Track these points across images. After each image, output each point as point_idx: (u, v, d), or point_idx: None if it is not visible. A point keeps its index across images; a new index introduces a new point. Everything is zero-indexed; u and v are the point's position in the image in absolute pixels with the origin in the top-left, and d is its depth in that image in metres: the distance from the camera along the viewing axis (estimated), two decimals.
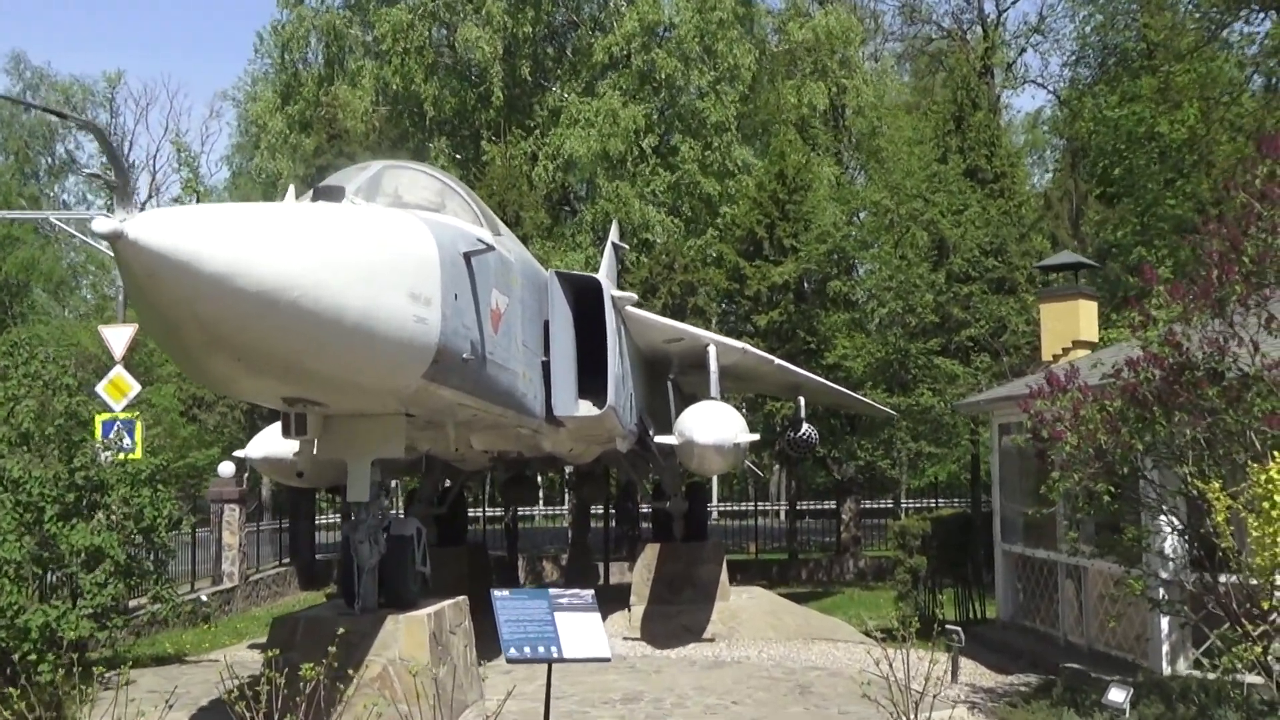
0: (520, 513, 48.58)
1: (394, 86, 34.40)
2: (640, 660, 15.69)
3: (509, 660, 9.27)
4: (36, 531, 12.58)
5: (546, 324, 14.41)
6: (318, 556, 30.27)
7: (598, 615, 9.62)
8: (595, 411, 14.80)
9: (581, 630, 9.28)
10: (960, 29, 45.48)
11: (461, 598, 12.46)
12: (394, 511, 29.49)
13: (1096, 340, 19.41)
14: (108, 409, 22.89)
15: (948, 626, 14.82)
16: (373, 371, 9.29)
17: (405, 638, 10.65)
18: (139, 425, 23.25)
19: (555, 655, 9.14)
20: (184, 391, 33.15)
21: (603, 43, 34.60)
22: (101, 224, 6.96)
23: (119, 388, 23.20)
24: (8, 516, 11.61)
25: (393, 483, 30.16)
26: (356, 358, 8.96)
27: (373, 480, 11.04)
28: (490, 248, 11.07)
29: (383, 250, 9.16)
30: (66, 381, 14.44)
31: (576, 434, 15.68)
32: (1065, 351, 18.45)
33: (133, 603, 16.70)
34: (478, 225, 11.78)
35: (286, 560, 29.27)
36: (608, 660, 9.82)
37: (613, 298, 15.41)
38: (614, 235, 28.12)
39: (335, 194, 9.92)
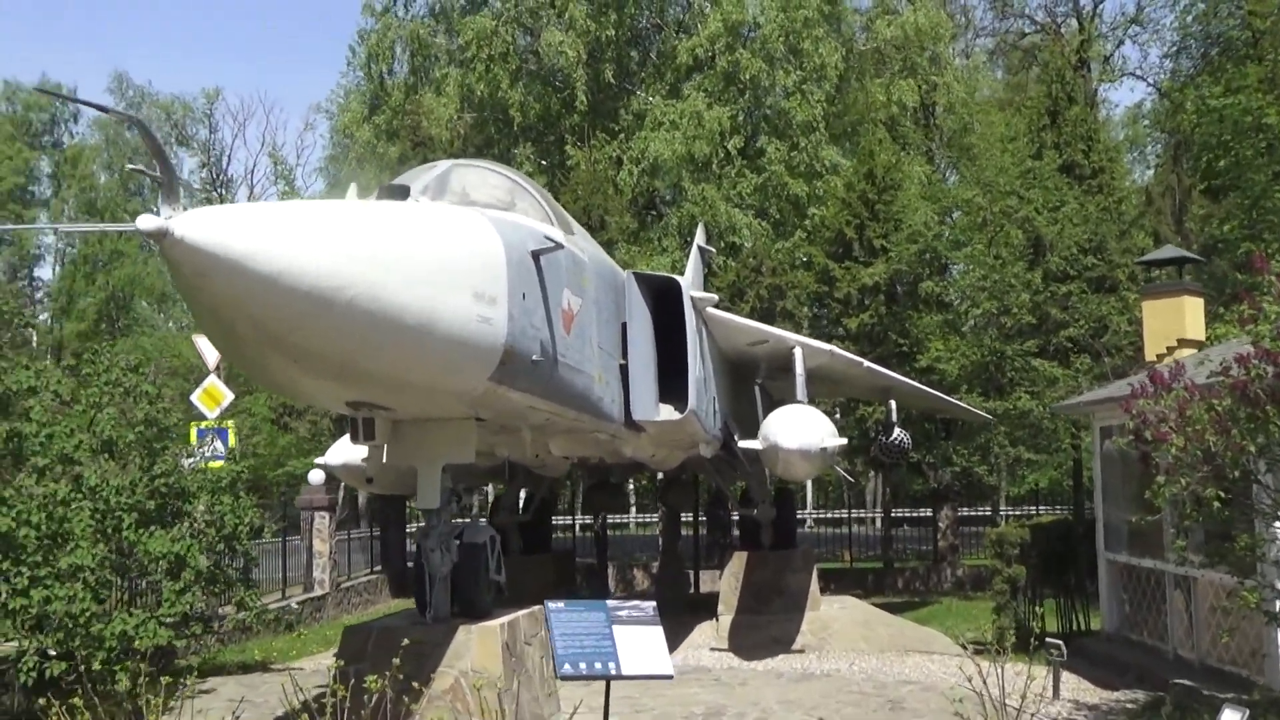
0: (613, 520, 48.69)
1: (478, 93, 34.38)
2: (725, 672, 15.23)
3: (561, 677, 8.94)
4: (115, 539, 12.53)
5: (625, 326, 14.06)
6: (409, 564, 30.22)
7: (659, 629, 9.26)
8: (676, 416, 14.39)
9: (642, 645, 8.94)
10: (1054, 22, 44.46)
11: (537, 607, 12.09)
12: (480, 519, 29.45)
13: (1203, 338, 18.55)
14: (203, 417, 23.17)
15: (1048, 640, 14.15)
16: (435, 373, 8.99)
17: (478, 648, 10.31)
18: (232, 433, 23.45)
19: (613, 672, 8.77)
20: (274, 400, 33.42)
21: (686, 44, 34.27)
22: (146, 222, 6.73)
23: (213, 396, 23.43)
24: (83, 524, 11.51)
25: (481, 489, 30.12)
26: (418, 359, 8.66)
27: (443, 486, 10.74)
28: (559, 246, 10.68)
29: (444, 248, 8.86)
30: (146, 389, 14.39)
31: (657, 439, 15.29)
32: (1170, 350, 17.64)
33: (223, 610, 16.75)
34: (548, 224, 11.45)
35: (378, 568, 29.26)
36: (670, 678, 9.46)
37: (692, 298, 14.98)
38: (699, 238, 27.73)
39: (399, 192, 9.66)
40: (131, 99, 73.81)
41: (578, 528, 34.52)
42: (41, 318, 62.57)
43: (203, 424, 23.14)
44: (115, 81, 69.90)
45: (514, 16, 35.17)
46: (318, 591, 24.92)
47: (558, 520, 41.43)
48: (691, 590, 27.26)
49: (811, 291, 30.39)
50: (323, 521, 25.48)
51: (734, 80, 33.52)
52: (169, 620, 12.46)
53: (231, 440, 23.37)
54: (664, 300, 14.84)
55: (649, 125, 33.40)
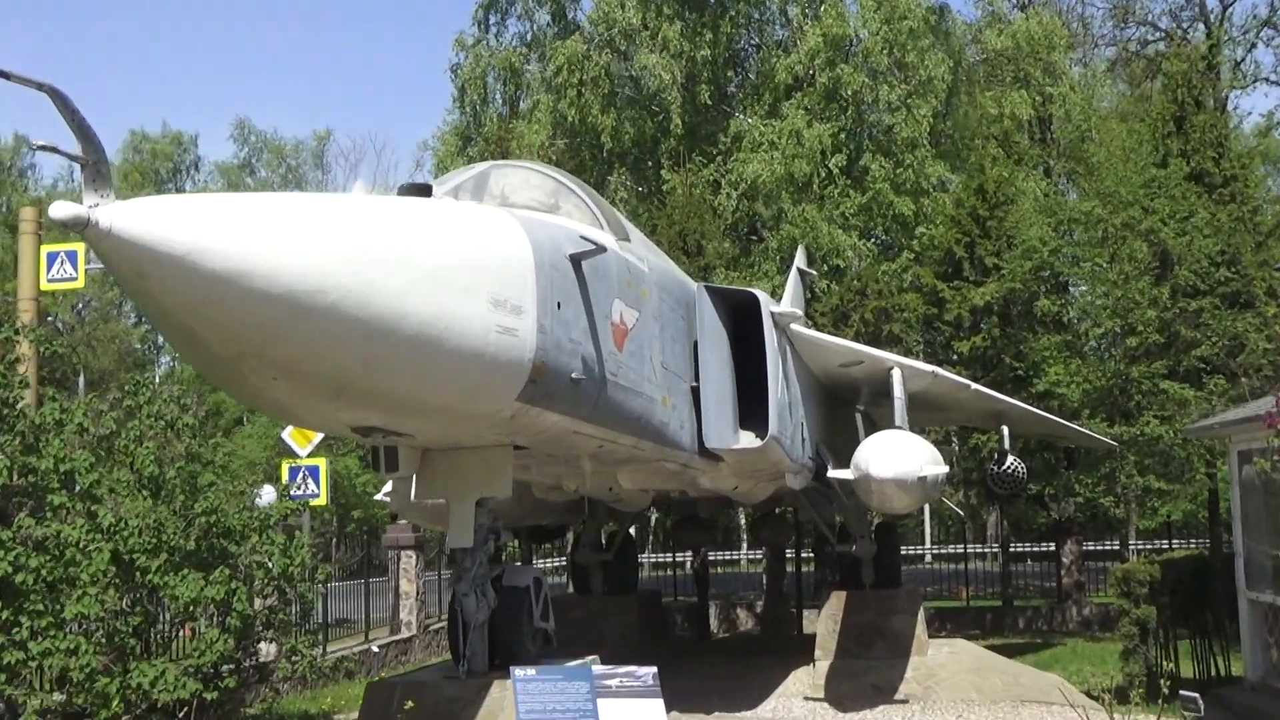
0: (722, 557, 47.24)
1: (570, 118, 33.47)
2: None
3: None
4: (135, 583, 11.61)
5: (696, 345, 12.82)
6: None
7: (659, 702, 7.88)
8: (756, 443, 13.07)
9: None
10: (1180, 28, 42.15)
11: (591, 658, 10.85)
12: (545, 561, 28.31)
13: None
14: (294, 454, 22.50)
15: (1183, 692, 12.42)
16: (449, 393, 7.86)
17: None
18: (324, 470, 22.72)
19: None
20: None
21: (785, 62, 32.98)
22: (61, 209, 5.70)
23: (304, 433, 22.71)
24: (94, 568, 10.54)
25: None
26: (423, 376, 7.54)
27: (478, 523, 9.62)
28: (602, 249, 9.46)
29: (453, 248, 7.75)
30: (187, 422, 13.50)
31: (738, 469, 13.97)
32: None
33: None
34: (596, 228, 10.27)
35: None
36: None
37: (774, 314, 13.66)
38: (800, 260, 26.43)
39: (420, 191, 8.62)
40: (254, 144, 75.19)
41: (675, 566, 33.13)
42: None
43: (290, 462, 22.52)
44: (238, 128, 70.99)
45: (606, 40, 34.27)
46: (404, 634, 24.07)
47: (657, 558, 40.53)
48: (796, 631, 25.81)
49: (920, 314, 28.82)
50: (409, 561, 24.73)
51: (835, 97, 32.11)
52: (197, 671, 11.44)
53: (323, 478, 22.67)
54: (743, 317, 13.58)
55: (747, 146, 32.15)
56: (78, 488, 11.50)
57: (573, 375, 9.00)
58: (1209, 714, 13.07)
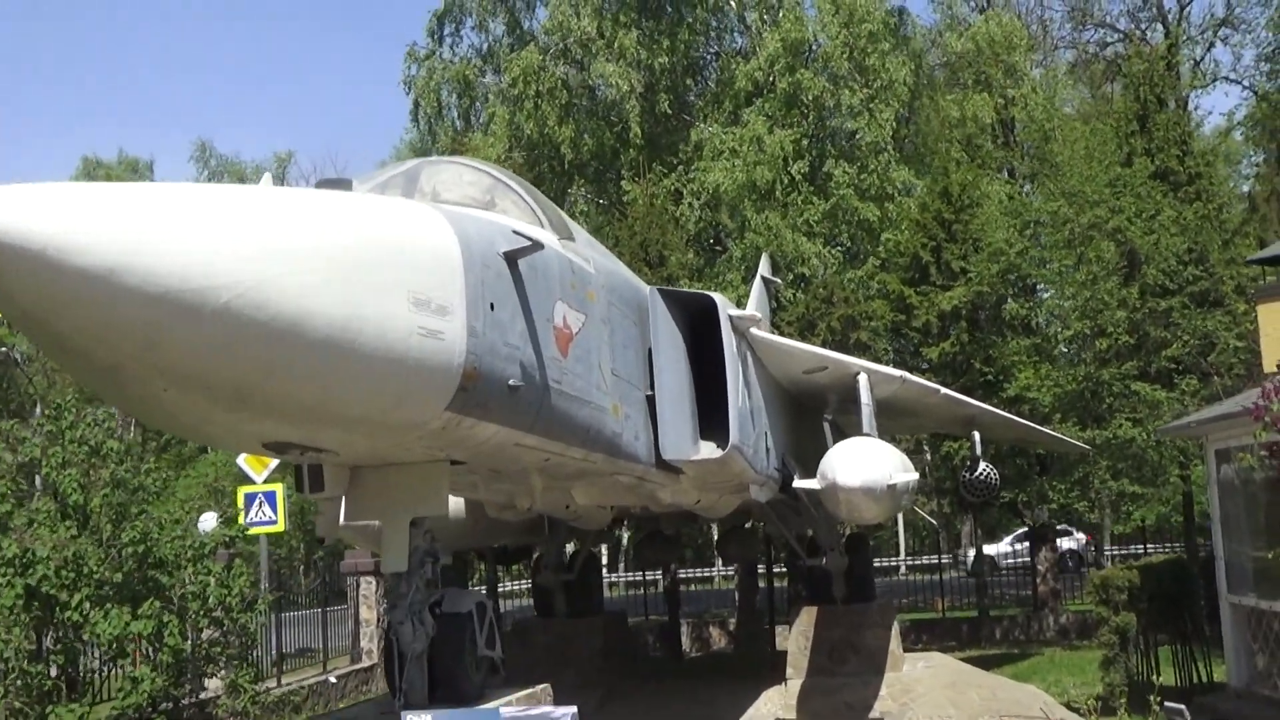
0: (696, 574, 46.51)
1: (528, 131, 32.77)
2: None
3: None
4: (55, 620, 10.84)
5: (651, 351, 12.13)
6: None
7: None
8: (716, 454, 12.37)
9: None
10: (1138, 29, 41.94)
11: (542, 687, 10.15)
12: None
13: None
14: (249, 480, 21.71)
15: (1168, 705, 11.82)
16: (367, 401, 7.10)
17: None
18: (280, 497, 21.92)
19: None
20: None
21: (744, 69, 32.44)
22: None
23: (260, 459, 21.91)
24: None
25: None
26: (337, 383, 6.79)
27: (414, 545, 8.87)
28: (538, 245, 8.71)
29: (368, 243, 7.00)
30: (112, 447, 12.75)
31: (700, 482, 13.25)
32: None
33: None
34: (536, 226, 9.57)
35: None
36: None
37: (731, 317, 13.00)
38: (764, 268, 25.78)
39: (339, 185, 7.92)
40: (214, 167, 73.97)
41: (646, 584, 32.41)
42: None
43: (246, 488, 21.73)
44: (199, 150, 69.76)
45: (562, 50, 33.67)
46: (365, 663, 23.24)
47: (628, 577, 39.76)
48: (769, 648, 25.10)
49: (888, 321, 28.26)
50: (369, 587, 23.93)
51: (796, 103, 31.55)
52: (124, 713, 10.67)
53: (280, 505, 21.86)
54: (700, 322, 12.92)
55: (708, 155, 31.58)
56: None
57: (510, 382, 8.28)
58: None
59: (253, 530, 22.61)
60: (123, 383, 6.30)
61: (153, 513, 13.60)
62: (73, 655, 11.13)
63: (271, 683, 20.36)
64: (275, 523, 21.57)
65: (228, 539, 14.48)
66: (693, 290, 13.23)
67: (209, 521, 17.65)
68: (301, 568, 37.10)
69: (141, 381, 6.25)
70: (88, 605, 11.24)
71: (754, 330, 14.00)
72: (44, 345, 5.99)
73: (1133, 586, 16.42)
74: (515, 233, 8.69)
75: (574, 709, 7.06)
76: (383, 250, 7.11)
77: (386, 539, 8.86)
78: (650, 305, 12.11)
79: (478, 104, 35.80)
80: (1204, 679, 17.19)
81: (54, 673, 11.66)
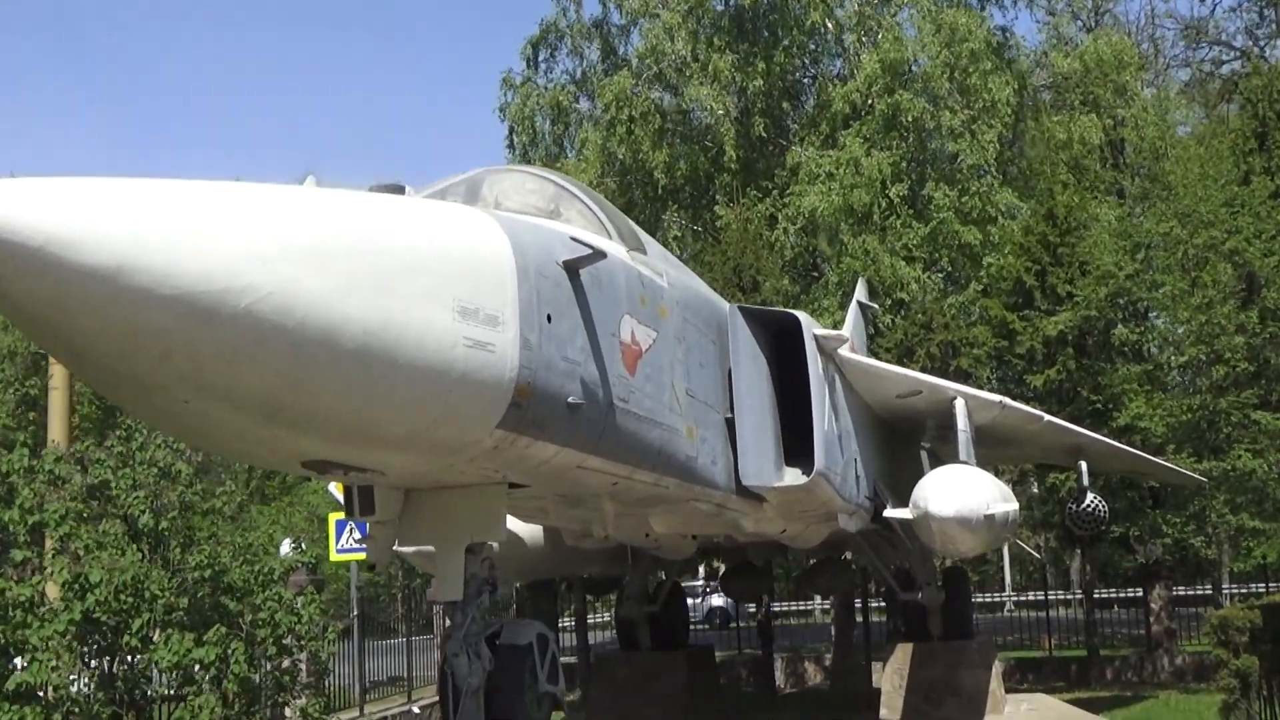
0: (795, 607, 45.45)
1: (621, 156, 32.47)
2: None
3: None
4: (116, 647, 10.54)
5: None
6: (564, 658, 27.89)
7: None
8: (801, 480, 11.73)
9: None
10: (1257, 45, 40.41)
11: None
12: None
13: None
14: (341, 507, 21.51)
15: None
16: (407, 417, 6.62)
17: None
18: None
19: None
20: None
21: (842, 91, 31.77)
22: None
23: None
24: (40, 632, 9.38)
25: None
26: (372, 395, 6.33)
27: (470, 572, 8.38)
28: (600, 254, 8.16)
29: (409, 247, 6.55)
30: (180, 469, 12.48)
31: (784, 509, 12.59)
32: None
33: None
34: (604, 236, 9.07)
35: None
36: None
37: (817, 337, 12.37)
38: (860, 293, 25.07)
39: (392, 190, 7.51)
40: None
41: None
42: None
43: (337, 515, 21.53)
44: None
45: (656, 74, 33.34)
46: None
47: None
48: (865, 685, 24.22)
49: (990, 348, 27.26)
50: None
51: (895, 124, 30.79)
52: None
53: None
54: (784, 342, 12.31)
55: (804, 178, 30.90)
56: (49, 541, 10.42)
57: (570, 400, 7.77)
58: None
59: (342, 558, 22.48)
60: (144, 394, 5.89)
61: (224, 537, 13.36)
62: (131, 683, 10.78)
63: (355, 712, 20.09)
64: (364, 550, 21.32)
65: (309, 565, 14.08)
66: (775, 309, 12.58)
67: (285, 548, 17.41)
68: (399, 596, 36.99)
69: (163, 392, 5.84)
70: (149, 631, 10.94)
71: (842, 351, 13.33)
72: (55, 353, 5.61)
73: (1254, 627, 15.32)
74: (574, 239, 8.17)
75: None
76: (424, 255, 6.65)
77: (441, 566, 8.41)
78: (730, 323, 11.54)
79: (571, 129, 35.55)
80: None
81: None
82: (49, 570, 9.93)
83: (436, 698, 22.57)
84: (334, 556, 24.04)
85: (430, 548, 8.60)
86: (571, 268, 8.01)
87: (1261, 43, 40.75)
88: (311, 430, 6.40)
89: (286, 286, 5.75)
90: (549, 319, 7.59)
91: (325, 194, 6.37)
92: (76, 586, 9.99)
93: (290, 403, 6.09)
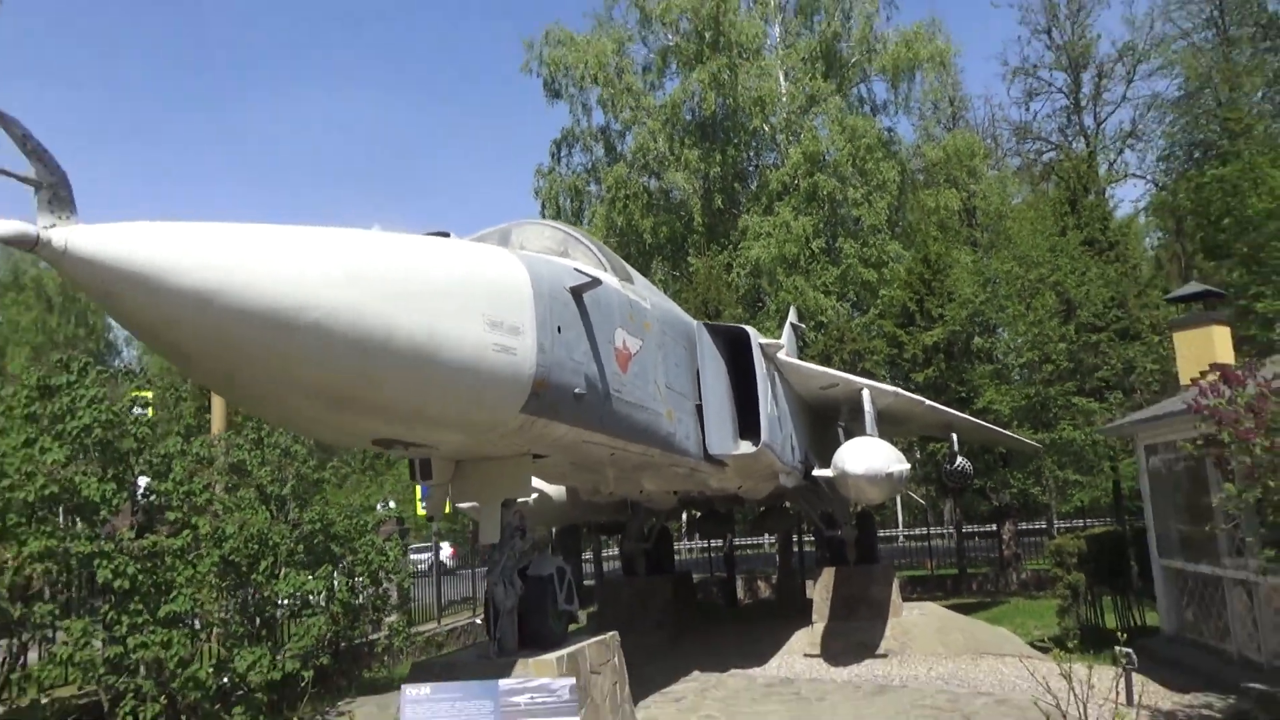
0: (750, 542, 44.74)
1: (619, 223, 31.92)
2: (807, 685, 11.47)
3: None
4: (245, 583, 9.93)
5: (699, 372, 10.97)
6: (586, 582, 27.17)
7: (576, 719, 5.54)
8: (751, 449, 11.17)
9: None
10: (1067, 141, 39.90)
11: (611, 634, 8.95)
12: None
13: (1232, 363, 14.40)
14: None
15: (1118, 648, 10.26)
16: (450, 404, 6.08)
17: None
18: None
19: None
20: None
21: (776, 174, 31.25)
22: (6, 227, 4.03)
23: None
24: (185, 573, 8.78)
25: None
26: (422, 388, 5.78)
27: (505, 522, 7.80)
28: (596, 281, 7.66)
29: (448, 274, 6.01)
30: (297, 449, 11.88)
31: (740, 471, 12.02)
32: (1202, 374, 13.53)
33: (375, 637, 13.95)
34: (600, 270, 8.51)
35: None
36: None
37: (760, 345, 11.80)
38: (792, 317, 24.46)
39: (439, 234, 6.95)
40: None
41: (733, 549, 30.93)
42: None
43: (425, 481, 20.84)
44: None
45: (643, 164, 32.80)
46: None
47: (701, 545, 38.15)
48: (801, 598, 23.53)
49: (885, 355, 26.67)
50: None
51: (814, 197, 30.29)
52: (294, 654, 9.67)
53: None
54: (737, 350, 11.75)
55: (750, 236, 30.38)
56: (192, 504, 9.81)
57: (576, 391, 7.23)
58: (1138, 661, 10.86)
59: (425, 513, 21.84)
60: (241, 388, 5.33)
61: (331, 499, 12.76)
62: (260, 609, 10.17)
63: (434, 624, 19.42)
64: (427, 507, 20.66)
65: (398, 519, 13.41)
66: (731, 324, 12.03)
67: (383, 508, 16.72)
68: (469, 539, 36.21)
69: (256, 387, 5.27)
70: (273, 570, 10.34)
71: (779, 355, 12.77)
72: (167, 356, 5.04)
73: (1081, 551, 14.77)
74: (578, 270, 7.61)
75: (571, 680, 5.76)
76: (460, 281, 6.09)
77: (483, 518, 7.82)
78: (697, 336, 10.99)
79: (584, 205, 34.98)
80: (1138, 624, 15.41)
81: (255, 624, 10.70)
82: (198, 525, 9.31)
83: None
84: (419, 513, 23.34)
85: (475, 504, 8.02)
86: (576, 292, 7.47)
87: (1070, 139, 40.25)
88: (375, 414, 5.85)
89: (350, 304, 5.20)
90: (559, 330, 7.04)
91: (382, 234, 5.82)
92: (215, 538, 9.37)
93: (357, 394, 5.53)
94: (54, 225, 4.17)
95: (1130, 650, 10.00)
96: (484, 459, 7.64)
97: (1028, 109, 52.07)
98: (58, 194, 4.17)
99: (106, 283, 4.34)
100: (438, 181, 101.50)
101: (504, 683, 5.25)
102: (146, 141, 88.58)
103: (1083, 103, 39.85)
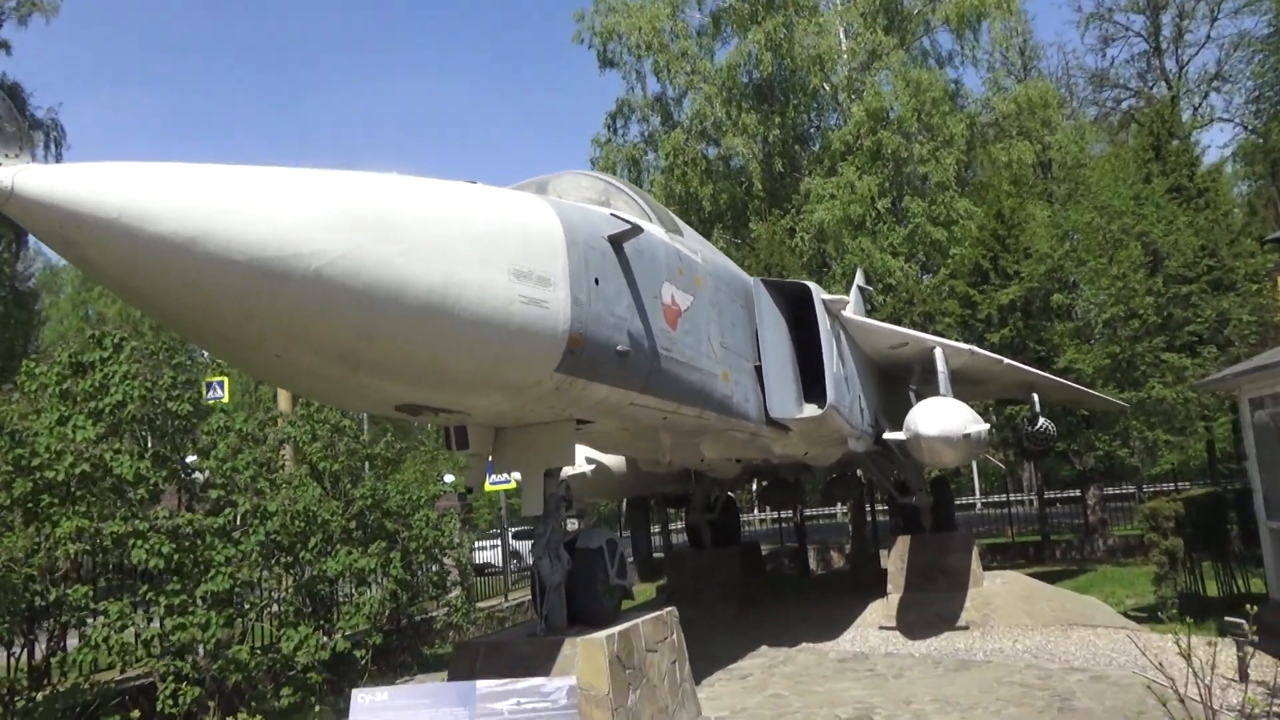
0: (821, 511, 43.81)
1: (678, 191, 31.09)
2: (883, 660, 10.72)
3: None
4: (296, 562, 9.58)
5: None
6: (655, 555, 26.68)
7: None
8: (816, 412, 10.42)
9: None
10: (1147, 87, 37.68)
11: (669, 610, 8.34)
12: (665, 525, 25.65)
13: None
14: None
15: (1227, 619, 9.29)
16: (475, 363, 5.48)
17: (583, 663, 6.66)
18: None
19: None
20: None
21: (838, 134, 30.04)
22: None
23: None
24: (224, 551, 8.41)
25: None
26: (442, 345, 5.20)
27: (548, 492, 7.23)
28: (638, 229, 6.97)
29: (466, 220, 5.39)
30: (348, 425, 11.51)
31: (806, 436, 11.27)
32: None
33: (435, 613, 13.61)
34: (645, 220, 7.84)
35: (630, 560, 25.77)
36: None
37: (824, 301, 11.02)
38: (859, 279, 23.55)
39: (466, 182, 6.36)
40: None
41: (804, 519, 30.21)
42: None
43: None
44: None
45: (700, 130, 31.87)
46: None
47: (772, 515, 37.38)
48: (876, 567, 22.70)
49: (958, 316, 25.44)
50: (572, 525, 22.50)
51: (879, 156, 29.03)
52: (346, 632, 9.31)
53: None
54: (799, 308, 10.98)
55: (813, 199, 29.29)
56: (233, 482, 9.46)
57: (619, 348, 6.60)
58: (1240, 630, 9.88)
59: (493, 488, 21.47)
60: (237, 349, 4.79)
61: (386, 474, 12.38)
62: (311, 587, 9.82)
63: (501, 599, 19.12)
64: (509, 482, 20.31)
65: (460, 493, 13.03)
66: (791, 280, 11.25)
67: (449, 479, 16.33)
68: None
69: (254, 347, 4.74)
70: (324, 547, 9.98)
71: (845, 313, 11.96)
72: (143, 309, 4.52)
73: (1178, 514, 13.68)
74: (615, 215, 6.95)
75: (571, 681, 5.00)
76: (481, 228, 5.47)
77: (525, 488, 7.25)
78: (754, 292, 10.26)
79: (643, 175, 34.21)
80: (1241, 590, 14.28)
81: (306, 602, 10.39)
82: (239, 503, 8.96)
83: None
84: (487, 488, 23.08)
85: (517, 474, 7.47)
86: (616, 241, 6.80)
87: (1150, 84, 38.02)
88: (393, 376, 5.28)
89: (353, 252, 4.63)
90: (596, 282, 6.39)
91: (391, 176, 5.22)
92: (258, 515, 9.01)
93: (369, 353, 4.97)
94: (19, 171, 3.67)
95: (1243, 622, 9.03)
96: (524, 426, 7.07)
97: (1104, 55, 49.73)
98: (3, 129, 3.66)
99: (67, 229, 3.84)
100: (496, 161, 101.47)
101: (482, 685, 4.54)
102: (221, 136, 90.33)
103: (1163, 46, 37.60)
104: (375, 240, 4.72)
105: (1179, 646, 5.33)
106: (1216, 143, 52.78)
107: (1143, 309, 20.96)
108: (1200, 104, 38.27)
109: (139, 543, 7.69)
